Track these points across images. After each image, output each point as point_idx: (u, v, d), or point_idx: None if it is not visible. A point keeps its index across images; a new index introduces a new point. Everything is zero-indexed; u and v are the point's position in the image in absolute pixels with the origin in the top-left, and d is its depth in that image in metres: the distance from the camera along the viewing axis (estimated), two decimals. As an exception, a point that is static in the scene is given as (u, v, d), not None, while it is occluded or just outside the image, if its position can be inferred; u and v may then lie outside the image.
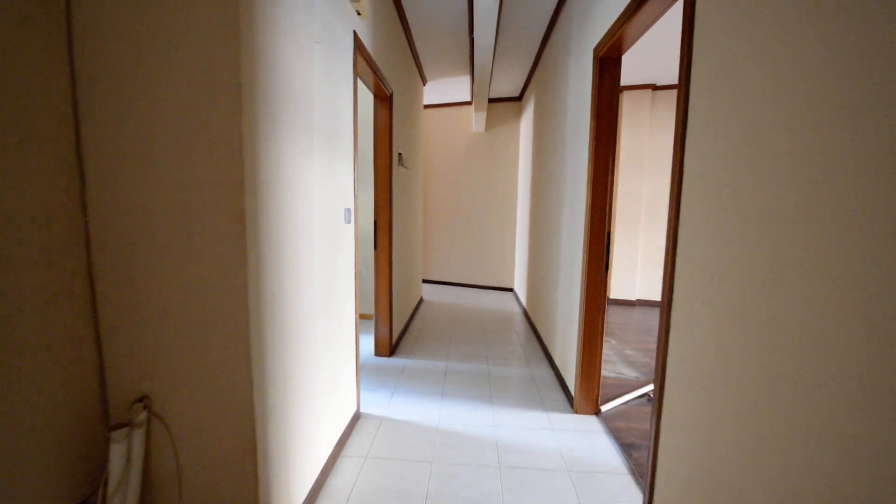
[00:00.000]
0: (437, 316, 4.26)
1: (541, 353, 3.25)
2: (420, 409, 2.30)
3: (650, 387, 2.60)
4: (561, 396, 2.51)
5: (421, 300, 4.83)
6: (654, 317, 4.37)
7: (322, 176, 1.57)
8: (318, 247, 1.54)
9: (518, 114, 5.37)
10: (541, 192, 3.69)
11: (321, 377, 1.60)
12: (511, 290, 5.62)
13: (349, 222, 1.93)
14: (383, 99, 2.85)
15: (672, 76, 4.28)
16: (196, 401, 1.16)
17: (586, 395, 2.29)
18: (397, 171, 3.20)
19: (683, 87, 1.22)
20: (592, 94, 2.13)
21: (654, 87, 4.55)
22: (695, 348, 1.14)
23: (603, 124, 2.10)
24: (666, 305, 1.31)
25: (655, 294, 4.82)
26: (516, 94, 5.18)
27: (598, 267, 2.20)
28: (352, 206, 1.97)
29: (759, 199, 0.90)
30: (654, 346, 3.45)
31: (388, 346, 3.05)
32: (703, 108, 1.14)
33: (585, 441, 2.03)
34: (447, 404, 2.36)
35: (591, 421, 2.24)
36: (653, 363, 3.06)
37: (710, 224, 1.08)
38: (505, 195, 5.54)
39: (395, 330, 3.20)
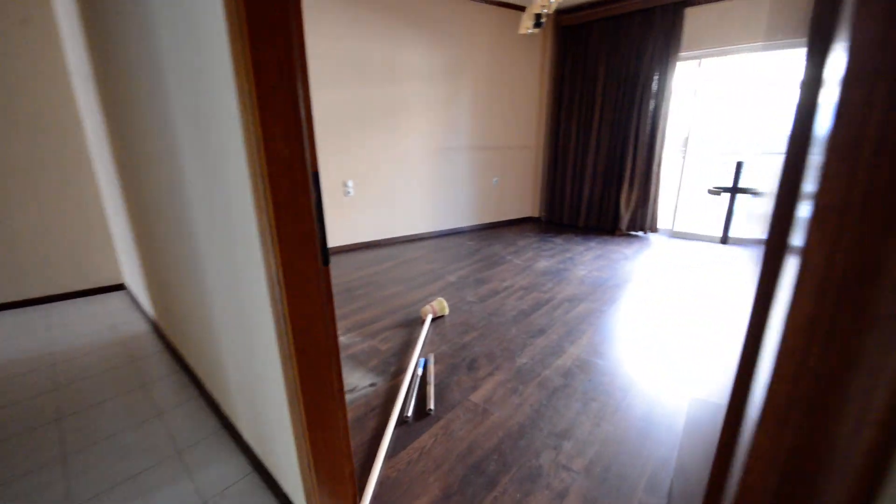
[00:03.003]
0: None
1: (211, 419, 1.69)
2: None
3: (407, 386, 1.71)
4: (282, 524, 1.21)
5: None
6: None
7: None
8: None
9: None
10: (123, 113, 1.74)
11: None
12: (121, 287, 3.26)
13: None
14: None
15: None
16: None
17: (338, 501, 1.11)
18: None
19: None
20: None
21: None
22: None
23: None
24: None
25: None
26: None
27: (307, 256, 0.90)
28: None
29: None
30: (356, 308, 2.60)
31: None
32: None
33: None
34: None
35: (362, 558, 1.11)
36: (386, 346, 2.20)
37: None
38: (61, 128, 2.80)
39: None
